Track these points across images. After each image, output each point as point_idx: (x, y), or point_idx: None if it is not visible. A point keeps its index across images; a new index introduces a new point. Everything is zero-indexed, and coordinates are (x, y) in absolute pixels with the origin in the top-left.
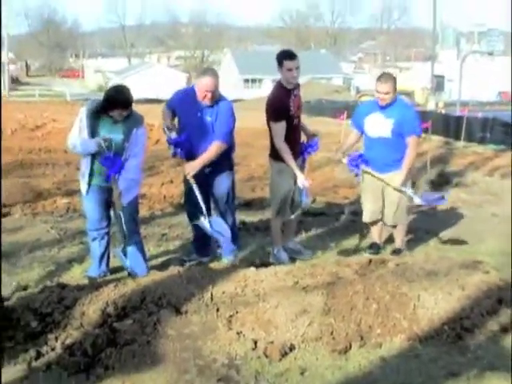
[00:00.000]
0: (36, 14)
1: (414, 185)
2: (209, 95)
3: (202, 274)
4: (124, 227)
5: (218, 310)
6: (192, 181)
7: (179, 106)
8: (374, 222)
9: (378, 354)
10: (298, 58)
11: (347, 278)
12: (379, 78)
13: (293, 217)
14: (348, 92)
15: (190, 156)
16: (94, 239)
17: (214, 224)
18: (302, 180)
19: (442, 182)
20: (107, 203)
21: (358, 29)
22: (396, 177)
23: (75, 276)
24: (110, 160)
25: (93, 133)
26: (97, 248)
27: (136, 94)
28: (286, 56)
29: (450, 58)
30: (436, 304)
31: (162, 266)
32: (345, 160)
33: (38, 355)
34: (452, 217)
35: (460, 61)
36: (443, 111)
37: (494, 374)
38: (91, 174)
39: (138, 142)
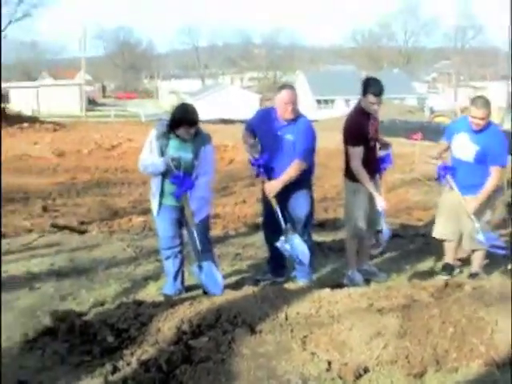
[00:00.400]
0: (112, 37)
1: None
2: (289, 108)
3: (277, 294)
4: (198, 246)
5: (292, 330)
6: (273, 201)
7: (259, 125)
8: (447, 241)
9: (454, 379)
10: (382, 94)
11: (423, 301)
12: (475, 103)
13: (377, 252)
14: (422, 112)
15: (272, 175)
16: (167, 258)
17: (293, 245)
18: (381, 202)
19: None
20: (179, 222)
21: (432, 48)
22: (471, 202)
23: (151, 293)
24: (179, 178)
25: (162, 153)
26: (171, 266)
27: (210, 114)
28: (372, 90)
29: None
30: None
31: (237, 285)
32: (437, 162)
33: (115, 370)
34: None
35: None
36: None
37: None
38: (161, 194)
39: (207, 160)
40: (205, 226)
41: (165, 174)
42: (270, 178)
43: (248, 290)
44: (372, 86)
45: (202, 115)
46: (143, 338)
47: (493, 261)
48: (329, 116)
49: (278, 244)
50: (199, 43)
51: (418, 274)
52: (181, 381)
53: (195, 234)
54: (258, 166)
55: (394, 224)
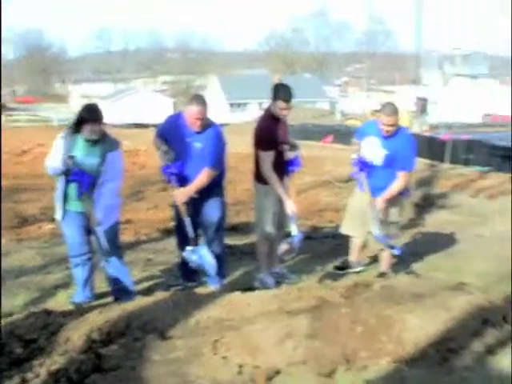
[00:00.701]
0: (21, 40)
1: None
2: (198, 123)
3: (188, 299)
4: (105, 253)
5: (203, 334)
6: (182, 208)
7: (169, 132)
8: (353, 239)
9: (364, 377)
10: (291, 100)
11: (333, 302)
12: (384, 110)
13: (286, 258)
14: (333, 116)
15: (182, 183)
16: (76, 265)
17: (201, 256)
18: (291, 206)
19: (426, 204)
20: (87, 229)
21: (344, 53)
22: (374, 201)
23: (60, 302)
24: (79, 175)
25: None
26: (80, 274)
27: (122, 119)
28: (282, 96)
29: (433, 81)
30: (421, 326)
31: (148, 292)
32: (355, 157)
33: (23, 382)
34: (437, 238)
35: (443, 84)
36: (427, 134)
37: None
38: (66, 200)
39: (114, 166)
40: (113, 232)
41: (68, 179)
42: (181, 185)
43: (159, 295)
44: (281, 92)
45: (115, 119)
46: (52, 348)
47: (400, 261)
48: (242, 120)
49: (185, 254)
50: (112, 47)
51: (328, 275)
52: None
53: (101, 241)
54: (169, 173)
55: (306, 226)
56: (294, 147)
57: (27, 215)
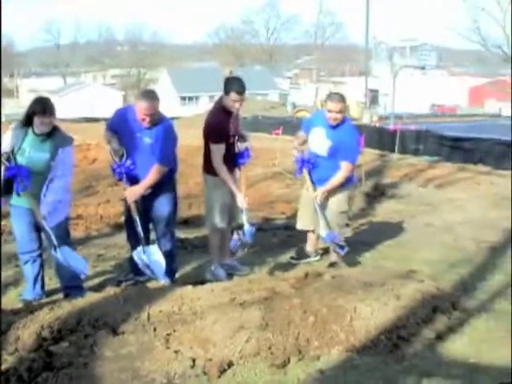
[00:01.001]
0: None
1: (349, 201)
2: (147, 119)
3: (139, 294)
4: (55, 249)
5: (155, 329)
6: (133, 206)
7: (119, 126)
8: (306, 231)
9: (317, 367)
10: (244, 92)
11: (284, 293)
12: (331, 98)
13: (240, 252)
14: (284, 107)
15: (133, 181)
16: (26, 262)
17: (149, 256)
18: (241, 199)
19: (377, 194)
20: (36, 225)
21: (293, 45)
22: (316, 192)
23: (10, 300)
24: (13, 170)
25: (19, 149)
26: (30, 271)
27: (72, 113)
28: (234, 88)
29: (383, 73)
30: (372, 315)
31: (99, 287)
32: (296, 154)
33: None
34: (387, 227)
35: (393, 75)
36: (377, 124)
37: (431, 381)
38: (12, 195)
39: (65, 162)
40: (63, 229)
41: (5, 175)
42: (131, 183)
43: (110, 291)
44: (234, 85)
45: (65, 114)
46: (2, 347)
47: (350, 250)
48: (193, 113)
49: (135, 254)
50: (61, 41)
51: (279, 266)
52: None
53: (49, 234)
54: (119, 172)
55: (257, 217)
56: (243, 138)
57: None
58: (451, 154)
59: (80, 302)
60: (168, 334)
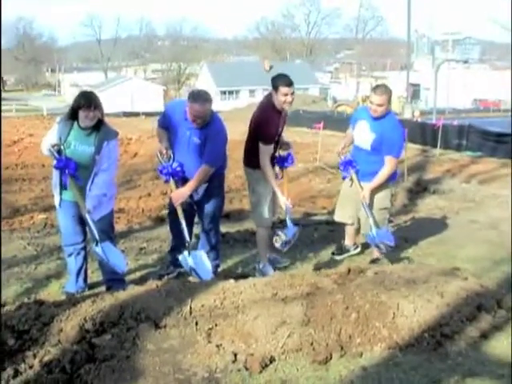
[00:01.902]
0: (11, 29)
1: (392, 197)
2: (198, 121)
3: (181, 288)
4: (98, 241)
5: (196, 323)
6: (179, 210)
7: (170, 121)
8: (347, 225)
9: (359, 364)
10: (293, 85)
11: (326, 288)
12: (375, 90)
13: (285, 249)
14: (325, 102)
15: (179, 180)
16: (69, 255)
17: (197, 262)
18: (284, 201)
19: (419, 190)
20: (81, 218)
21: (334, 39)
22: (364, 189)
23: (52, 292)
24: (62, 162)
25: (64, 142)
26: (73, 263)
27: (113, 107)
28: (282, 82)
29: (425, 67)
30: (415, 312)
31: (141, 280)
32: (341, 157)
33: (16, 373)
34: (430, 224)
35: (435, 69)
36: (419, 119)
37: (475, 381)
38: (61, 189)
39: (110, 156)
40: (107, 223)
41: (54, 167)
42: (178, 185)
43: (152, 284)
44: (282, 79)
45: (106, 108)
46: (45, 339)
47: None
48: (233, 107)
49: (180, 258)
50: (102, 36)
51: (321, 261)
52: (85, 380)
53: (93, 228)
54: (166, 174)
55: (299, 213)
56: (286, 145)
57: (18, 205)
58: (494, 149)
59: (122, 295)
60: (210, 329)
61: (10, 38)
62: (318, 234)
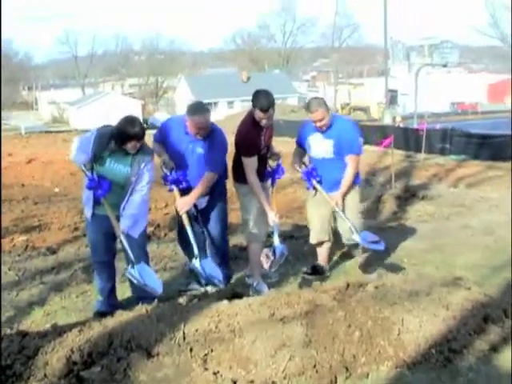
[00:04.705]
0: None
1: (379, 199)
2: (202, 132)
3: (172, 312)
4: (131, 259)
5: (191, 349)
6: (185, 218)
7: (168, 138)
8: (321, 244)
9: None
10: (272, 107)
11: (325, 306)
12: (308, 109)
13: (273, 270)
14: (303, 111)
15: (184, 190)
16: (99, 272)
17: (206, 267)
18: (272, 217)
19: (408, 196)
20: (112, 234)
21: (310, 48)
22: (335, 198)
23: (36, 320)
24: (94, 183)
25: (99, 158)
26: (101, 282)
27: (91, 123)
28: (258, 105)
29: (401, 73)
30: (421, 327)
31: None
32: (301, 170)
33: None
34: (421, 231)
35: (414, 74)
36: (401, 125)
37: None
38: (94, 202)
39: (145, 177)
40: (142, 240)
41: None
42: (182, 194)
43: (141, 309)
44: (259, 101)
45: (84, 124)
46: (30, 374)
47: (386, 255)
48: (212, 119)
49: (191, 265)
50: (78, 52)
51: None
52: None
53: (127, 249)
54: (170, 182)
55: (287, 224)
56: (276, 155)
57: None
58: (478, 151)
59: (110, 322)
60: (205, 355)
61: None
62: (309, 246)
